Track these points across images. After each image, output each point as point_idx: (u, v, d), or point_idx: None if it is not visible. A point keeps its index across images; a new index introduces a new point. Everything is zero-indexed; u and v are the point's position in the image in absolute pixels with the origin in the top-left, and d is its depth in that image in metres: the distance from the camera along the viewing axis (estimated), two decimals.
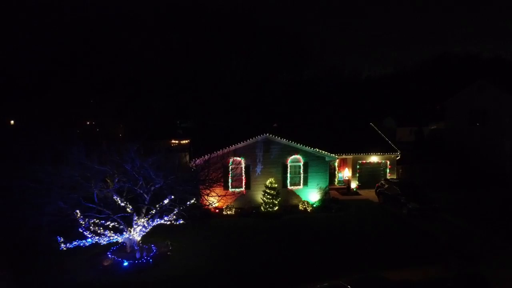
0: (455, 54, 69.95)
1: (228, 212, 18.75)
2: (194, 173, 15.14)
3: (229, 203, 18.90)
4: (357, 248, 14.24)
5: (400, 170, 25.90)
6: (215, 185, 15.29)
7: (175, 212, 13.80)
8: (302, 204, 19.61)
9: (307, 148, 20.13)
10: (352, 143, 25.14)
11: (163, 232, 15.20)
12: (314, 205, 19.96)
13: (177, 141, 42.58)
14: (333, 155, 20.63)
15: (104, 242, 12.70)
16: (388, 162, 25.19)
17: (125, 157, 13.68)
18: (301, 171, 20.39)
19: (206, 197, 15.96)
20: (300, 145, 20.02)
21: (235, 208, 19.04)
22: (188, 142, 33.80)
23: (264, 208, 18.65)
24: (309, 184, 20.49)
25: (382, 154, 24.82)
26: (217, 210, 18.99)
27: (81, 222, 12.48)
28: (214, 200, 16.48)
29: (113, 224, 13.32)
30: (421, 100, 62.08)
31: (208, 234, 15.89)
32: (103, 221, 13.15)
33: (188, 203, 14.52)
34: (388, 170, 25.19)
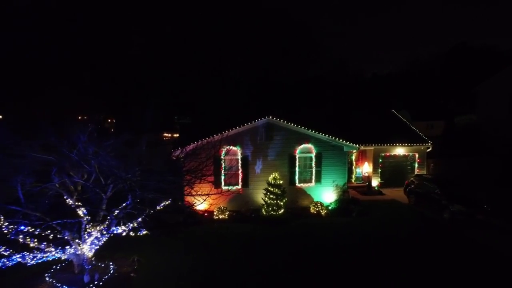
0: (470, 46, 65.42)
1: (220, 216, 15.02)
2: (170, 164, 11.36)
3: (221, 205, 15.17)
4: (398, 273, 10.41)
5: (432, 165, 22.00)
6: (199, 181, 11.47)
7: (141, 218, 10.11)
8: (314, 206, 15.82)
9: (321, 135, 16.33)
10: (373, 133, 21.34)
11: (132, 244, 11.62)
12: (330, 207, 16.16)
13: (169, 134, 39.51)
14: (354, 144, 16.76)
15: (32, 262, 8.99)
16: (417, 155, 21.32)
17: (72, 140, 10.04)
18: (313, 164, 16.58)
19: (190, 197, 12.31)
20: (311, 131, 16.21)
21: (229, 211, 15.32)
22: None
23: (266, 211, 14.90)
24: (322, 180, 16.69)
25: (410, 145, 20.95)
26: (206, 214, 15.29)
27: (4, 231, 8.84)
28: (199, 200, 12.70)
29: (56, 234, 9.69)
30: (436, 94, 58.20)
31: (192, 246, 12.20)
32: (43, 230, 9.49)
33: (163, 204, 10.89)
34: (416, 165, 21.33)
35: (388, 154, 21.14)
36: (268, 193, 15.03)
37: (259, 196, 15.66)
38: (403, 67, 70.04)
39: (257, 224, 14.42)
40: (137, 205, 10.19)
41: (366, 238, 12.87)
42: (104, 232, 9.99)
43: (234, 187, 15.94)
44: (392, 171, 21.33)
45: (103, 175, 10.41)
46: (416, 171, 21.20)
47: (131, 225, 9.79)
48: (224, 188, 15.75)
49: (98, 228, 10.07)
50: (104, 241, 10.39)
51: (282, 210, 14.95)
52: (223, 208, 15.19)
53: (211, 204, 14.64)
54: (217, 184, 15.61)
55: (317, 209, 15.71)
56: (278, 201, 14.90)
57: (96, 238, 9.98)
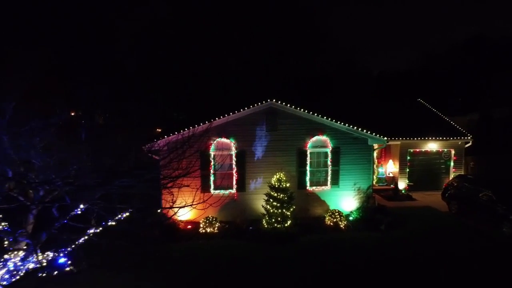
0: (489, 38, 60.77)
1: (208, 230, 11.65)
2: (128, 163, 7.91)
3: (210, 214, 11.79)
4: None
5: (471, 163, 18.40)
6: (171, 183, 8.08)
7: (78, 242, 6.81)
8: (330, 216, 12.38)
9: (339, 124, 12.89)
10: (399, 124, 17.80)
11: (77, 273, 8.22)
12: (350, 218, 12.72)
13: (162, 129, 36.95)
14: (381, 136, 13.26)
15: None
16: (453, 152, 17.75)
17: None
18: (329, 162, 13.14)
19: (167, 200, 8.99)
20: (327, 118, 12.76)
21: (220, 223, 11.96)
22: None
23: (268, 223, 11.48)
24: (341, 183, 13.25)
25: (445, 139, 17.37)
26: (189, 226, 11.93)
27: None
28: (180, 208, 9.31)
29: None
30: (452, 89, 54.29)
31: (163, 275, 8.84)
32: None
33: (119, 217, 7.61)
34: (452, 163, 17.77)
35: (418, 150, 17.59)
36: (271, 200, 11.62)
37: (259, 203, 12.24)
38: (411, 65, 65.96)
39: (256, 241, 11.03)
40: (72, 222, 6.89)
41: (407, 265, 9.39)
42: (19, 263, 6.68)
43: (227, 191, 12.59)
44: (423, 171, 17.79)
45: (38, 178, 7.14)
46: (452, 171, 17.66)
47: (45, 257, 6.42)
48: (214, 192, 12.41)
49: (19, 253, 6.81)
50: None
51: (289, 222, 11.53)
52: (212, 218, 11.81)
53: (198, 213, 11.27)
54: (205, 188, 12.27)
55: (335, 220, 12.27)
56: (284, 210, 11.48)
57: (8, 271, 6.67)
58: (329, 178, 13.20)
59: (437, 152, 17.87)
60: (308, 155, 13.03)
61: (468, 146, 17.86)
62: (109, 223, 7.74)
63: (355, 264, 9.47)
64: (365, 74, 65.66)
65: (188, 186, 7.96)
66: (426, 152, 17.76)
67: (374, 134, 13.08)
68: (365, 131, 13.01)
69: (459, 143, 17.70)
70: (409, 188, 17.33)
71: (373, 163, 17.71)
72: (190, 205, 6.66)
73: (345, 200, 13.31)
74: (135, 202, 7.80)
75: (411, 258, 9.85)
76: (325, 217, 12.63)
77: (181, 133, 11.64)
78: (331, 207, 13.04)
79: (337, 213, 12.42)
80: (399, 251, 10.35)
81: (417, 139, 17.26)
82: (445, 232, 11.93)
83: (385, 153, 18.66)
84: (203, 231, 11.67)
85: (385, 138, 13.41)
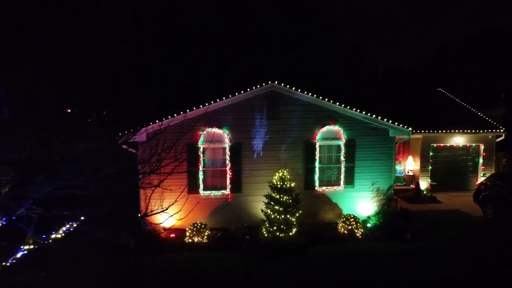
0: (499, 31, 57.57)
1: (196, 239, 9.60)
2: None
3: (198, 220, 9.75)
4: None
5: (504, 160, 16.14)
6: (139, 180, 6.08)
7: None
8: (344, 222, 10.27)
9: (355, 112, 10.76)
10: (419, 116, 15.59)
11: None
12: (368, 225, 10.60)
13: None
14: (405, 127, 11.08)
15: None
16: (482, 147, 15.52)
17: None
18: (342, 158, 11.00)
19: (150, 205, 7.01)
20: (340, 105, 10.63)
21: (211, 231, 9.93)
22: None
23: (269, 231, 9.39)
24: (356, 182, 11.11)
25: (473, 133, 15.16)
26: (173, 235, 9.89)
27: None
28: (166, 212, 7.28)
29: None
30: (461, 85, 51.69)
31: None
32: None
33: (64, 230, 5.66)
34: (481, 160, 15.55)
35: (442, 144, 15.39)
36: (272, 203, 9.52)
37: (258, 206, 10.17)
38: (419, 62, 63.22)
39: (254, 253, 8.95)
40: None
41: None
42: None
43: (219, 193, 10.53)
44: (447, 169, 15.61)
45: None
46: (481, 169, 15.45)
47: None
48: (204, 193, 10.36)
49: None
50: None
51: (294, 230, 9.43)
52: (201, 225, 9.76)
53: (184, 219, 9.24)
54: (192, 188, 10.23)
55: (349, 227, 10.14)
56: (288, 215, 9.38)
57: None
58: (342, 176, 11.06)
59: (464, 147, 15.65)
60: (317, 149, 10.90)
61: (500, 140, 15.64)
62: (53, 236, 5.77)
63: (379, 285, 7.36)
64: (370, 72, 63.01)
65: (158, 186, 5.93)
66: (451, 147, 15.54)
67: (396, 124, 10.91)
68: (385, 120, 10.85)
69: (490, 136, 15.46)
70: (432, 188, 15.17)
71: None
72: (144, 216, 4.58)
73: (361, 203, 11.16)
74: (86, 209, 5.80)
75: (452, 280, 7.70)
76: (337, 223, 10.51)
77: (162, 121, 9.71)
78: (345, 212, 10.92)
79: (352, 219, 10.29)
80: (435, 269, 8.20)
81: (441, 132, 15.05)
82: (485, 244, 9.75)
83: (404, 149, 16.49)
84: (190, 240, 9.62)
85: (409, 128, 11.22)
